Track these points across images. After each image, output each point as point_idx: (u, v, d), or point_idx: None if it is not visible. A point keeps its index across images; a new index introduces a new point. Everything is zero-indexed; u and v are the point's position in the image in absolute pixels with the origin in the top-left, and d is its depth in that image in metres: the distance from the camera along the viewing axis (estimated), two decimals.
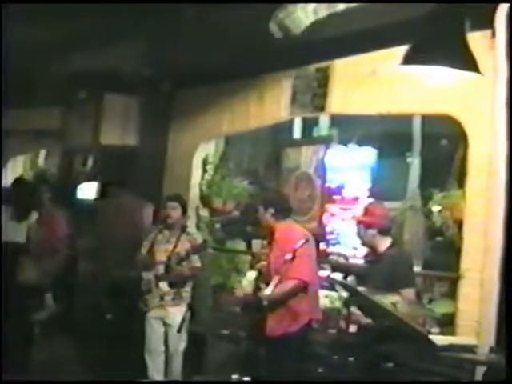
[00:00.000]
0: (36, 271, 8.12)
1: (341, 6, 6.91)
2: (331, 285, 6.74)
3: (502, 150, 5.75)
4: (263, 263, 6.36)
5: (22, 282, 7.99)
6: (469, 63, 4.35)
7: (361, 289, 5.68)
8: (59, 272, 8.52)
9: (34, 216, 8.58)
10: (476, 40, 4.60)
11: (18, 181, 9.45)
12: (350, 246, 7.81)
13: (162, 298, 7.30)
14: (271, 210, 6.30)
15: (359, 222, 6.25)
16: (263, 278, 6.20)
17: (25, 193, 8.78)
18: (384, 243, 6.16)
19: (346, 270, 7.38)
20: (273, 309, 6.01)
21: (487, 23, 5.80)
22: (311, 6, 7.10)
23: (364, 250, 6.65)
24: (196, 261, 7.33)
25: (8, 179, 12.30)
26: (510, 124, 5.60)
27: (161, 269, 7.28)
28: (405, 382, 5.47)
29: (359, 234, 6.32)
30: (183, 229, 7.50)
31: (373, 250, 6.25)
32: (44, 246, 8.51)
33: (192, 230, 7.91)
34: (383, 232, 6.17)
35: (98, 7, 8.23)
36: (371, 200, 7.24)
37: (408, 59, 4.43)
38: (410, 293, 5.85)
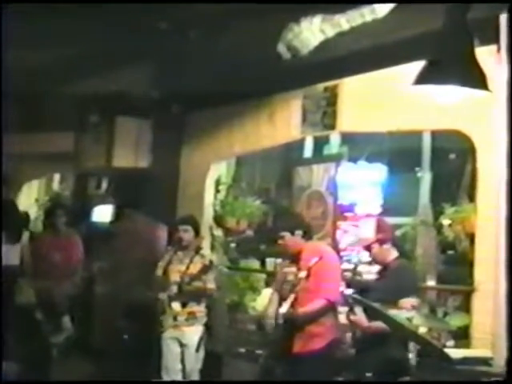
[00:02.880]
0: (32, 292, 8.17)
1: (347, 25, 7.00)
2: (346, 301, 6.76)
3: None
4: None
5: (19, 303, 8.04)
6: (479, 81, 4.40)
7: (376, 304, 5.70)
8: (76, 295, 8.60)
9: (26, 237, 8.64)
10: (482, 55, 4.64)
11: (9, 203, 9.49)
12: (363, 262, 7.83)
13: (175, 319, 7.32)
14: (299, 232, 6.35)
15: (376, 241, 6.27)
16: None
17: (16, 215, 8.86)
18: (391, 255, 6.21)
19: (361, 286, 7.40)
20: (296, 327, 6.06)
21: (493, 38, 5.87)
22: (317, 25, 7.19)
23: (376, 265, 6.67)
24: (210, 282, 7.36)
25: (23, 203, 12.42)
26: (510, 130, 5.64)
27: (174, 289, 7.32)
28: (404, 381, 5.48)
29: (374, 253, 6.33)
30: (197, 250, 7.53)
31: (382, 263, 6.28)
32: (61, 269, 8.59)
33: (206, 251, 7.92)
34: (394, 243, 6.23)
35: (109, 30, 8.34)
36: (373, 217, 7.25)
37: (420, 79, 4.49)
38: (410, 302, 5.85)
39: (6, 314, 7.41)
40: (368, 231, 6.35)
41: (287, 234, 6.29)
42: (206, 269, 7.25)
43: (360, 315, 5.80)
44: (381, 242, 6.19)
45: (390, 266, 6.14)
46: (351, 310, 5.84)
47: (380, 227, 6.30)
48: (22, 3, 7.41)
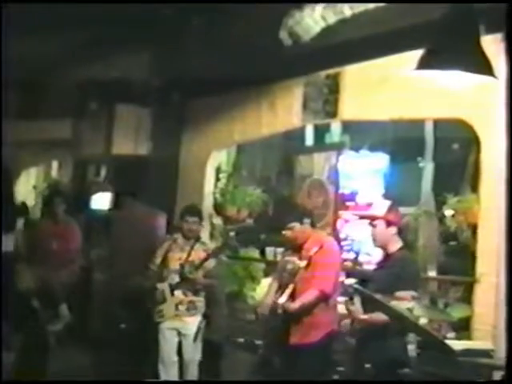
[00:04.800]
0: (29, 278, 8.12)
1: (349, 12, 6.93)
2: (345, 291, 6.71)
3: None
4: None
5: (16, 291, 8.01)
6: (484, 67, 4.34)
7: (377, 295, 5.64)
8: (74, 283, 8.56)
9: (20, 224, 8.60)
10: (487, 44, 4.58)
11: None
12: (364, 252, 7.80)
13: (176, 308, 7.27)
14: (307, 221, 6.27)
15: (383, 219, 6.12)
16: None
17: (11, 203, 8.83)
18: (396, 244, 6.11)
19: (361, 275, 7.35)
20: (293, 318, 6.00)
21: (498, 27, 5.79)
22: (319, 12, 7.13)
23: (377, 255, 6.59)
24: (211, 270, 7.32)
25: (22, 190, 12.37)
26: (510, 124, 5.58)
27: (175, 277, 7.27)
28: (404, 382, 5.44)
29: (377, 232, 6.18)
30: (197, 238, 7.50)
31: (382, 247, 6.19)
32: (59, 256, 8.55)
33: (206, 238, 7.88)
34: (399, 232, 6.11)
35: (109, 17, 8.29)
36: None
37: (423, 64, 4.42)
38: (405, 295, 5.78)
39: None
40: (379, 209, 6.19)
41: (296, 225, 6.19)
42: (213, 254, 7.22)
43: (357, 306, 5.71)
44: (388, 222, 6.03)
45: (394, 256, 6.07)
46: (351, 300, 5.77)
47: (392, 210, 6.17)
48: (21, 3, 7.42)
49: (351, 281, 6.76)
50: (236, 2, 7.53)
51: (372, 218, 6.20)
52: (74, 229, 8.92)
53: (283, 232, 6.26)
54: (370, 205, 7.94)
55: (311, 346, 5.99)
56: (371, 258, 7.52)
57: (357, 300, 5.72)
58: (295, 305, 5.94)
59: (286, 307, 5.91)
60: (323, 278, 5.98)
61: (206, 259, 7.19)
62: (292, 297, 5.95)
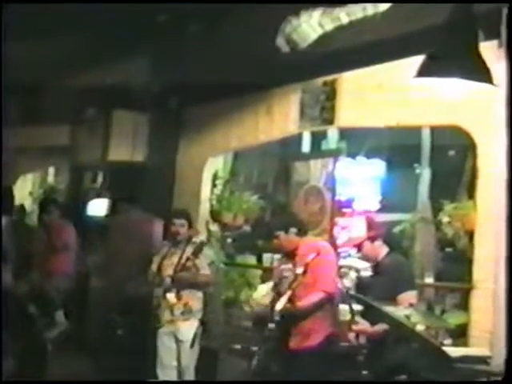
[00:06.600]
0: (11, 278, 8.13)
1: (346, 19, 6.95)
2: (342, 298, 6.72)
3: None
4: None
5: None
6: (483, 74, 4.35)
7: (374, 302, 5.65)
8: (70, 289, 8.56)
9: (7, 222, 8.62)
10: (483, 50, 4.58)
11: None
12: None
13: (171, 312, 7.25)
14: (293, 230, 6.30)
15: (368, 238, 6.23)
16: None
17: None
18: (383, 251, 6.17)
19: (357, 283, 7.36)
20: (292, 323, 6.00)
21: (494, 33, 5.80)
22: (316, 19, 7.14)
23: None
24: (204, 268, 7.30)
25: (17, 196, 12.35)
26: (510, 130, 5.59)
27: (168, 281, 7.26)
28: (404, 381, 5.44)
29: (365, 252, 6.29)
30: (188, 240, 7.48)
31: (373, 260, 6.25)
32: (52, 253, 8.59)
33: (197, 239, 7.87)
34: (385, 240, 6.19)
35: (107, 23, 8.30)
36: (362, 216, 7.22)
37: (422, 71, 4.42)
38: (411, 295, 5.82)
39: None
40: (359, 230, 6.31)
41: (281, 233, 6.26)
42: (197, 250, 7.18)
43: (363, 323, 5.76)
44: (372, 239, 6.16)
45: (383, 263, 6.11)
46: (352, 320, 5.80)
47: (371, 225, 6.27)
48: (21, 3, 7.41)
49: (349, 289, 6.81)
50: (235, 2, 7.52)
51: (357, 245, 6.31)
52: (65, 225, 8.96)
53: (274, 241, 6.35)
54: (366, 212, 7.97)
55: (310, 351, 6.00)
56: (367, 264, 7.52)
57: (358, 318, 5.76)
58: (301, 304, 5.93)
59: (292, 307, 5.89)
60: (325, 281, 6.01)
61: (192, 255, 7.15)
62: (291, 303, 5.94)
